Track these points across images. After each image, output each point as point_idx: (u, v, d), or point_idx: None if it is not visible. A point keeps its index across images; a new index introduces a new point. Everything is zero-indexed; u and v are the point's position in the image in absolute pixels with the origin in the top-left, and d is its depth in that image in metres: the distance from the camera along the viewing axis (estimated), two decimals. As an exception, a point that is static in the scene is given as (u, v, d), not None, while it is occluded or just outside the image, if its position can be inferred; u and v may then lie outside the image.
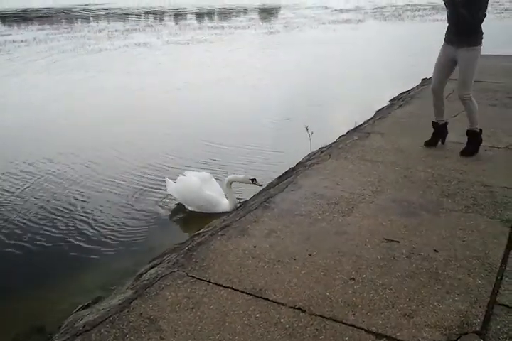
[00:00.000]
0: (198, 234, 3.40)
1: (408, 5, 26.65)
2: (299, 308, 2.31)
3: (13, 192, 4.98)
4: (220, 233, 3.05)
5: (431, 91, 4.33)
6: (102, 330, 2.20)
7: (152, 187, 5.01)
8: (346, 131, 5.97)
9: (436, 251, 2.76)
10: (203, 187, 4.21)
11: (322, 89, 9.36)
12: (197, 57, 12.80)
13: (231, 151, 5.93)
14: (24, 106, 8.45)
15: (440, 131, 4.43)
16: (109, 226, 4.31)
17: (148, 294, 2.45)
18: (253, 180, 3.99)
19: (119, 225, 4.32)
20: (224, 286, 2.49)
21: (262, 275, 2.57)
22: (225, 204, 4.20)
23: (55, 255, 3.97)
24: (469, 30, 3.82)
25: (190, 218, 4.46)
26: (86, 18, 25.03)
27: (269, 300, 2.37)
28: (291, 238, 2.94)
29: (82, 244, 4.07)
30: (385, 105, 7.48)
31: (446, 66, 4.10)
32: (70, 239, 4.12)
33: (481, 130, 4.19)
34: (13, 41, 16.56)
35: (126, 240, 4.16)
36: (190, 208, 4.38)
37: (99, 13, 26.72)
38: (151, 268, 2.91)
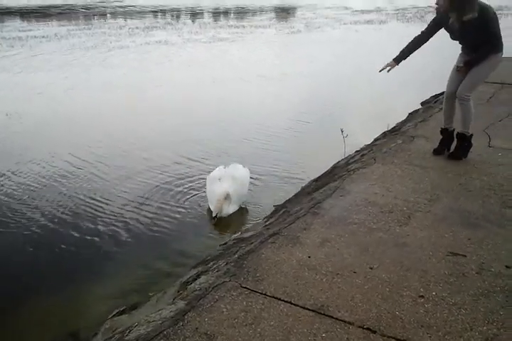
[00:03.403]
0: (242, 239, 3.23)
1: (430, 6, 26.24)
2: (368, 328, 2.11)
3: (41, 190, 4.87)
4: (269, 241, 2.86)
5: (444, 97, 4.17)
6: (157, 346, 2.03)
7: (185, 186, 4.88)
8: (381, 133, 5.78)
9: (508, 267, 2.54)
10: (220, 181, 4.26)
11: (345, 91, 9.14)
12: (220, 55, 12.65)
13: (257, 151, 5.82)
14: (46, 101, 8.37)
15: (448, 138, 4.22)
16: (138, 226, 4.16)
17: (202, 306, 2.28)
18: (215, 216, 4.12)
19: (148, 225, 4.18)
20: (282, 300, 2.31)
21: (321, 290, 2.38)
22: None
23: (84, 257, 3.83)
24: (480, 47, 3.71)
25: (224, 219, 4.29)
26: (104, 15, 25.03)
27: (333, 318, 2.18)
28: (348, 249, 2.74)
29: (111, 245, 3.93)
30: (418, 108, 7.28)
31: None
32: (99, 241, 3.98)
33: (471, 135, 4.04)
34: (35, 37, 16.55)
35: (156, 241, 4.02)
36: None
37: (117, 10, 26.72)
38: (198, 276, 2.74)
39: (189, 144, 6.07)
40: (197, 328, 2.14)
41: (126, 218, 4.27)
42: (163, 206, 4.48)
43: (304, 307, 2.26)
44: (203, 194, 4.58)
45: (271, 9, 28.14)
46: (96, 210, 4.42)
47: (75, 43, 14.95)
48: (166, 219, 4.29)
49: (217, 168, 4.54)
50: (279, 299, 2.32)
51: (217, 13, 26.59)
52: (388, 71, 4.01)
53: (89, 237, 4.01)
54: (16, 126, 7.00)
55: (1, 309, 3.18)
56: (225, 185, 4.21)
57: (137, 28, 18.99)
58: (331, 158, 5.30)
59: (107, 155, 5.71)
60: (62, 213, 4.38)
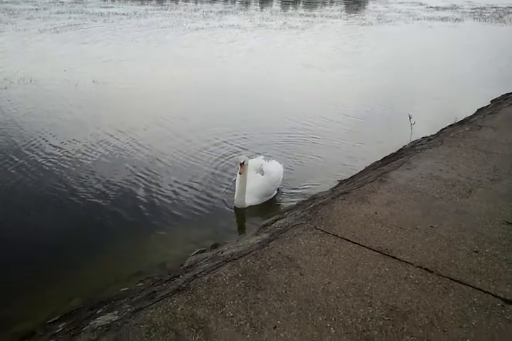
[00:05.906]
0: (313, 198, 3.63)
1: (510, 7, 25.19)
2: (425, 269, 2.47)
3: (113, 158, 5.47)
4: (340, 197, 3.25)
5: None
6: (248, 261, 2.49)
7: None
8: (448, 125, 5.94)
9: (560, 239, 2.79)
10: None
11: (412, 85, 9.20)
12: (289, 43, 12.97)
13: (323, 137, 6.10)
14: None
15: None
16: (206, 191, 4.53)
17: (283, 238, 2.71)
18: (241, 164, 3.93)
19: (216, 190, 4.57)
20: (351, 241, 2.70)
21: (386, 238, 2.75)
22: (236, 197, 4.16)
23: (168, 210, 4.23)
24: None
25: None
26: (179, -3, 25.88)
27: (396, 259, 2.55)
28: (411, 210, 3.08)
29: (194, 201, 4.33)
30: (487, 104, 7.32)
31: None
32: (163, 203, 4.31)
33: None
34: (116, 13, 17.57)
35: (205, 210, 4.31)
36: None
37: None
38: (276, 220, 3.17)
39: (248, 128, 6.28)
40: (279, 252, 2.57)
41: (180, 188, 4.58)
42: (214, 187, 4.64)
43: (370, 248, 2.64)
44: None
45: (341, 0, 27.94)
46: (163, 181, 4.75)
47: (153, 21, 15.77)
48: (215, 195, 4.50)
49: (256, 158, 4.55)
50: (348, 240, 2.71)
51: (287, 2, 26.75)
52: None
53: (155, 200, 4.37)
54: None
55: (108, 246, 3.70)
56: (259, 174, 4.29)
57: (211, 11, 19.64)
58: (391, 147, 5.36)
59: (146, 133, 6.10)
60: (135, 177, 4.82)
